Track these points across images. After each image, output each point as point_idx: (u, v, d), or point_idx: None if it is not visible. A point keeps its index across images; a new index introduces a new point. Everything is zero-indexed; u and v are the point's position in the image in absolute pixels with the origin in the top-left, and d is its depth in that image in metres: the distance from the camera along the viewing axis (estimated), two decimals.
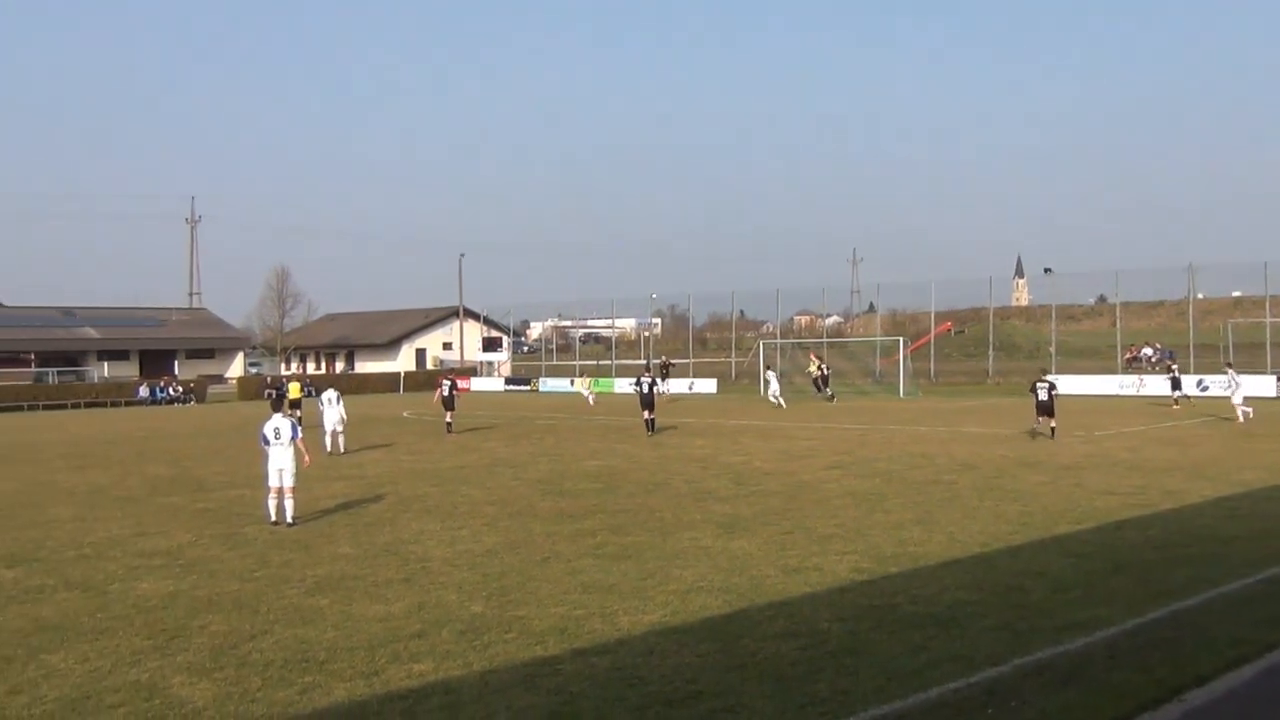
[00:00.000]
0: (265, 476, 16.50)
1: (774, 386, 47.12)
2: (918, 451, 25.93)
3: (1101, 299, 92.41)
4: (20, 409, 62.31)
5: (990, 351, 66.10)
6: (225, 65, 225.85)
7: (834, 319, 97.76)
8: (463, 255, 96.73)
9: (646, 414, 32.81)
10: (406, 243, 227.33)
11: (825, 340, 72.95)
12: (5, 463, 28.41)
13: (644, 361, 57.45)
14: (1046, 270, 72.31)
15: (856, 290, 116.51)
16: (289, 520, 16.13)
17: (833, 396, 50.49)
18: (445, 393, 35.68)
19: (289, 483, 16.25)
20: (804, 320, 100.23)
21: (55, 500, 20.09)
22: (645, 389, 33.31)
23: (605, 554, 13.59)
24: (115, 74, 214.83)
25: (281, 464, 16.23)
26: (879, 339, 68.72)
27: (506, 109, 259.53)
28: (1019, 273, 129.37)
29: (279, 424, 16.51)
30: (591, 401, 51.15)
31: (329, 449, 28.53)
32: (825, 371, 52.53)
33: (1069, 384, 54.96)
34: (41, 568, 13.50)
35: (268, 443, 16.35)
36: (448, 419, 35.44)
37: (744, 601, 10.92)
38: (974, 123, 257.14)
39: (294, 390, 37.33)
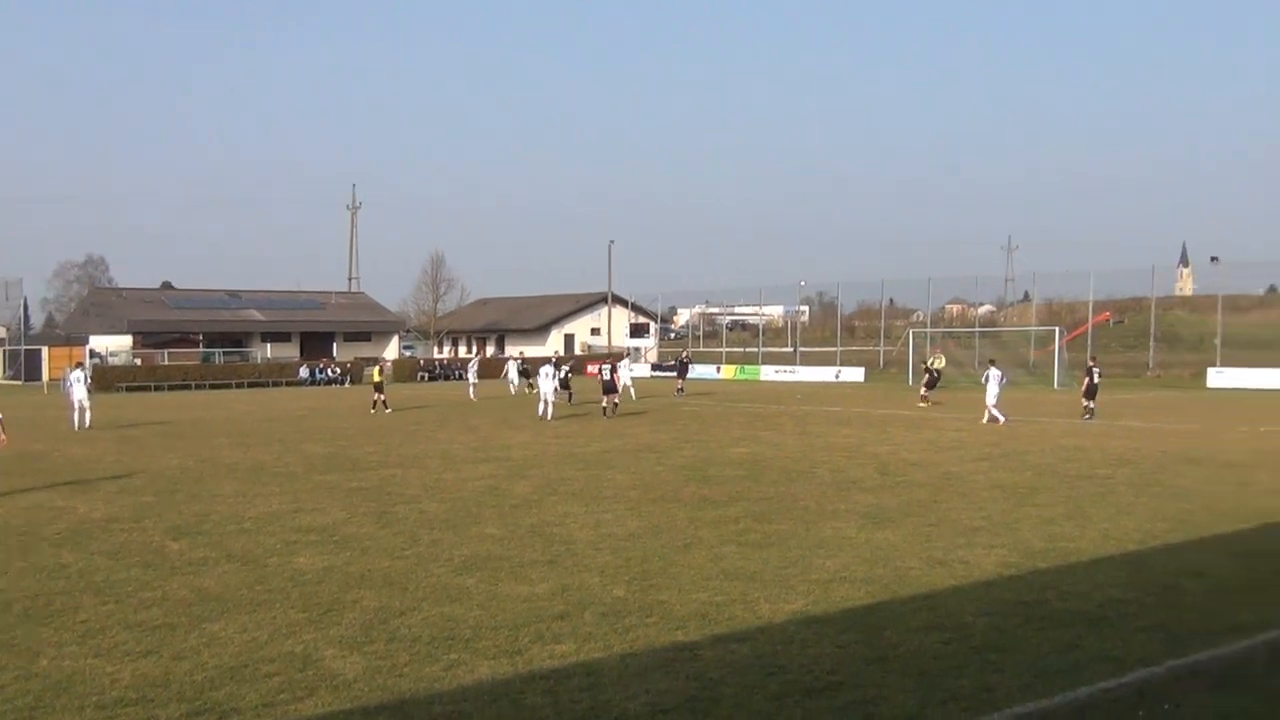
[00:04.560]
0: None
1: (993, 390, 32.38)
2: (1071, 445, 25.25)
3: (1272, 289, 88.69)
4: (188, 387, 65.13)
5: (1151, 343, 63.97)
6: (387, 54, 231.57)
7: (987, 308, 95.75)
8: (612, 242, 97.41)
9: (606, 399, 36.30)
10: (558, 229, 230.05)
11: (978, 329, 71.46)
12: (174, 439, 29.68)
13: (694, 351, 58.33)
14: (1213, 259, 69.70)
15: (1011, 279, 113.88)
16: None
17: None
18: (605, 378, 37.04)
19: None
20: (955, 309, 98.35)
21: (219, 476, 20.91)
22: (606, 375, 37.09)
23: (748, 541, 13.57)
24: (272, 61, 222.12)
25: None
26: (1033, 329, 67.11)
27: (656, 96, 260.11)
28: (1183, 261, 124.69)
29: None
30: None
31: (76, 425, 32.96)
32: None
33: (1235, 377, 53.04)
34: (205, 540, 14.06)
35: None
36: (604, 402, 36.30)
37: (887, 593, 10.80)
38: (1137, 110, 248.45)
39: (376, 375, 42.72)
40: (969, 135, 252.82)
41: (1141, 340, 66.85)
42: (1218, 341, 60.43)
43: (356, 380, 69.84)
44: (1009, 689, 7.84)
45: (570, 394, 42.26)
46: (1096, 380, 33.76)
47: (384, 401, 40.38)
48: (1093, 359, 36.33)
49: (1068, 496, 17.12)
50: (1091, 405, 33.37)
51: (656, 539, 13.79)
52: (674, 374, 56.93)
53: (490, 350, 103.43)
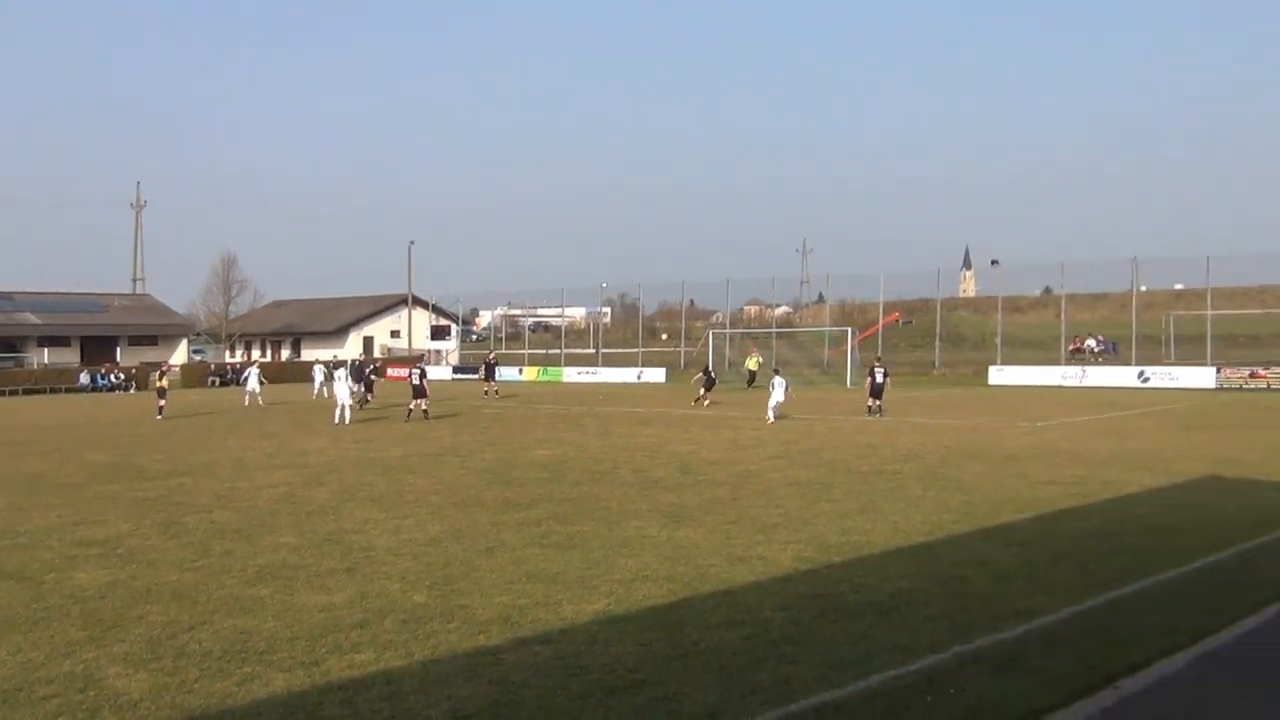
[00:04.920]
0: None
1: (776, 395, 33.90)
2: (863, 442, 26.10)
3: (1047, 291, 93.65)
4: None
5: (937, 342, 66.68)
6: (171, 46, 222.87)
7: (783, 309, 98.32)
8: (412, 243, 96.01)
9: (415, 403, 35.73)
10: (357, 229, 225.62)
11: (774, 330, 73.20)
12: None
13: (488, 353, 59.65)
14: (994, 262, 73.53)
15: (806, 280, 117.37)
16: None
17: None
18: (415, 381, 36.44)
19: None
20: (753, 310, 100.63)
21: None
22: (416, 379, 36.57)
23: (551, 543, 13.55)
24: (55, 56, 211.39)
25: None
26: (827, 329, 69.17)
27: (457, 95, 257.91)
28: (966, 264, 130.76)
29: None
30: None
31: None
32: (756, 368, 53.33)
33: (1014, 375, 55.80)
34: None
35: None
36: (412, 406, 35.84)
37: (688, 590, 10.93)
38: (922, 117, 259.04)
39: (159, 380, 42.28)
40: (764, 140, 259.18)
41: (928, 340, 69.64)
42: (998, 341, 63.46)
43: (143, 386, 67.00)
44: (805, 680, 8.03)
45: (369, 396, 41.68)
46: (880, 380, 35.13)
47: (160, 408, 39.07)
48: (878, 359, 37.82)
49: (860, 492, 17.68)
50: (879, 404, 34.67)
51: (458, 543, 13.64)
52: (478, 376, 56.66)
53: (285, 354, 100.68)
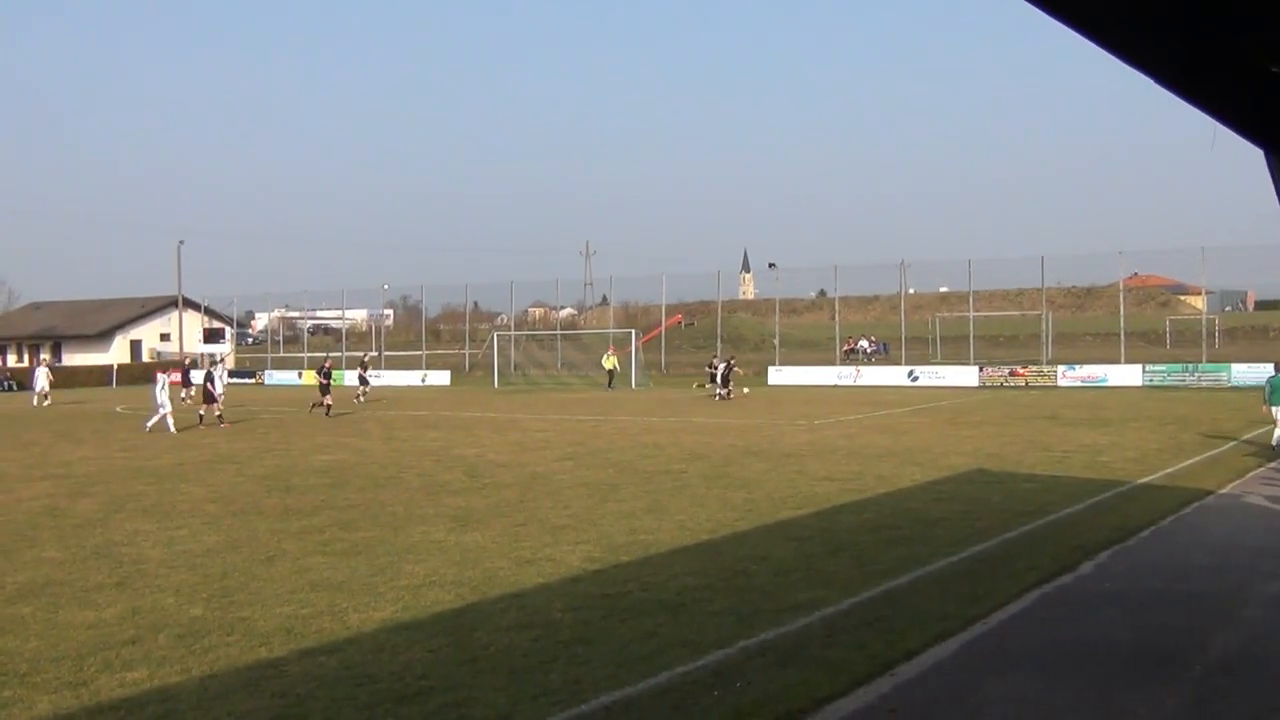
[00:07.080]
0: None
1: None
2: (649, 442, 26.42)
3: (822, 293, 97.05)
4: None
5: (718, 343, 68.05)
6: None
7: (568, 311, 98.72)
8: (182, 242, 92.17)
9: (206, 408, 34.37)
10: (122, 229, 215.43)
11: (559, 332, 73.42)
12: None
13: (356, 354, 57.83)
14: (771, 265, 75.52)
15: (589, 283, 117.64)
16: None
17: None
18: (207, 385, 34.85)
19: None
20: (538, 312, 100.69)
21: None
22: (212, 384, 34.89)
23: (334, 551, 13.24)
24: None
25: None
26: (612, 331, 69.72)
27: (224, 93, 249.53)
28: (745, 267, 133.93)
29: None
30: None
31: None
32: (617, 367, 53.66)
33: (792, 375, 57.48)
34: None
35: None
36: (203, 410, 34.45)
37: (476, 595, 10.85)
38: (700, 121, 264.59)
39: None
40: (545, 141, 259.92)
41: (710, 341, 70.99)
42: (776, 342, 65.30)
43: None
44: (595, 680, 8.08)
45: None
46: (719, 369, 43.31)
47: None
48: (726, 355, 46.42)
49: (647, 491, 17.90)
50: (726, 391, 42.72)
51: (237, 553, 13.18)
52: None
53: (44, 358, 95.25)
